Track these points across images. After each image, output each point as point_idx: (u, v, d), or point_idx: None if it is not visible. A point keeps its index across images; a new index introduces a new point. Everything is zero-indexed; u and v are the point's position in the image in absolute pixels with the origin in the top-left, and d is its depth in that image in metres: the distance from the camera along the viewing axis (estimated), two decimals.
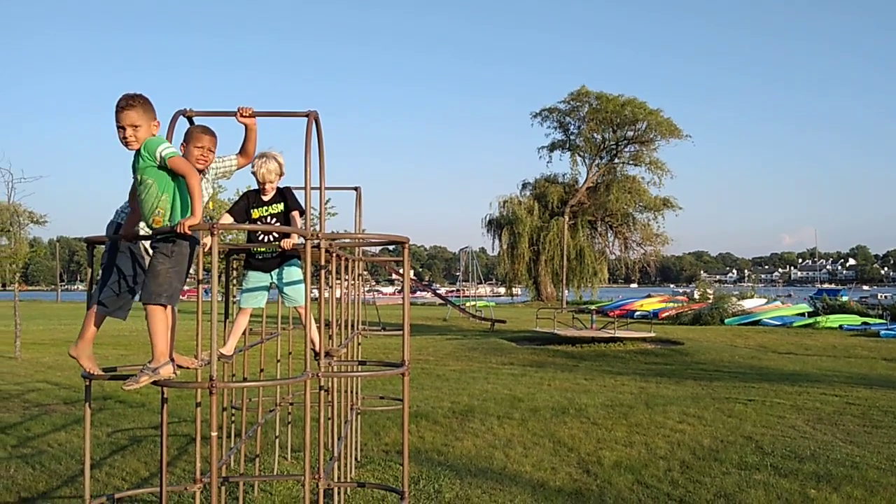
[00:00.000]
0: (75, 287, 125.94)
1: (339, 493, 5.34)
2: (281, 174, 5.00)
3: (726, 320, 28.47)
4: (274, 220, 4.97)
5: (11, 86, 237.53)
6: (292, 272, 5.06)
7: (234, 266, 6.03)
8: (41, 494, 6.27)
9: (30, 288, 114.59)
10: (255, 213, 4.98)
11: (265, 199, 4.99)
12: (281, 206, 4.97)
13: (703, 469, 7.06)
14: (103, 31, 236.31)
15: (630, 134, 55.32)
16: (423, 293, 57.15)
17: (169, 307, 3.72)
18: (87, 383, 3.93)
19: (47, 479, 6.72)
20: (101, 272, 4.08)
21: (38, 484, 6.54)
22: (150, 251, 3.85)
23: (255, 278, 5.06)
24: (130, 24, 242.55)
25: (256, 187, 5.06)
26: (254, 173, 4.99)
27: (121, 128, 3.64)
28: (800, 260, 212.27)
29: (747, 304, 31.93)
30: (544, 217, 53.74)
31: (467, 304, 36.65)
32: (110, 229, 4.15)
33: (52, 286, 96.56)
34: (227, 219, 4.95)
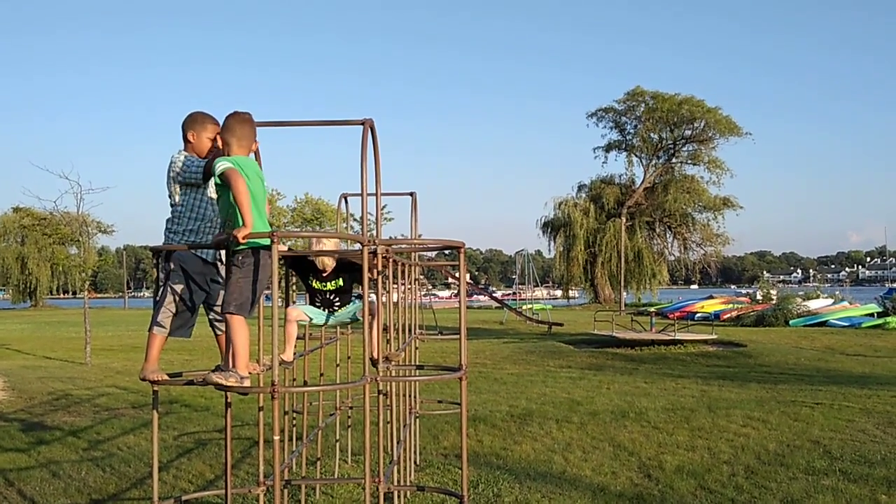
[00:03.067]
0: (141, 294, 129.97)
1: (398, 497, 5.38)
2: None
3: (791, 321, 27.76)
4: (333, 295, 4.98)
5: (78, 99, 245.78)
6: (353, 305, 5.09)
7: (293, 273, 6.11)
8: (111, 496, 6.47)
9: (98, 295, 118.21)
10: (316, 285, 4.98)
11: (325, 274, 4.98)
12: (341, 282, 4.97)
13: (769, 474, 6.90)
14: (162, 31, 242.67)
15: (688, 133, 54.49)
16: (480, 297, 57.14)
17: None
18: (155, 389, 4.05)
19: (117, 480, 6.94)
20: (155, 293, 4.17)
21: (108, 486, 6.76)
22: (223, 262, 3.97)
23: (313, 311, 5.07)
24: (166, 25, 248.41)
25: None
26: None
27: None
28: (868, 258, 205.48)
29: (813, 304, 31.04)
30: (601, 218, 53.29)
31: (524, 306, 36.48)
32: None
33: (120, 293, 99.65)
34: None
